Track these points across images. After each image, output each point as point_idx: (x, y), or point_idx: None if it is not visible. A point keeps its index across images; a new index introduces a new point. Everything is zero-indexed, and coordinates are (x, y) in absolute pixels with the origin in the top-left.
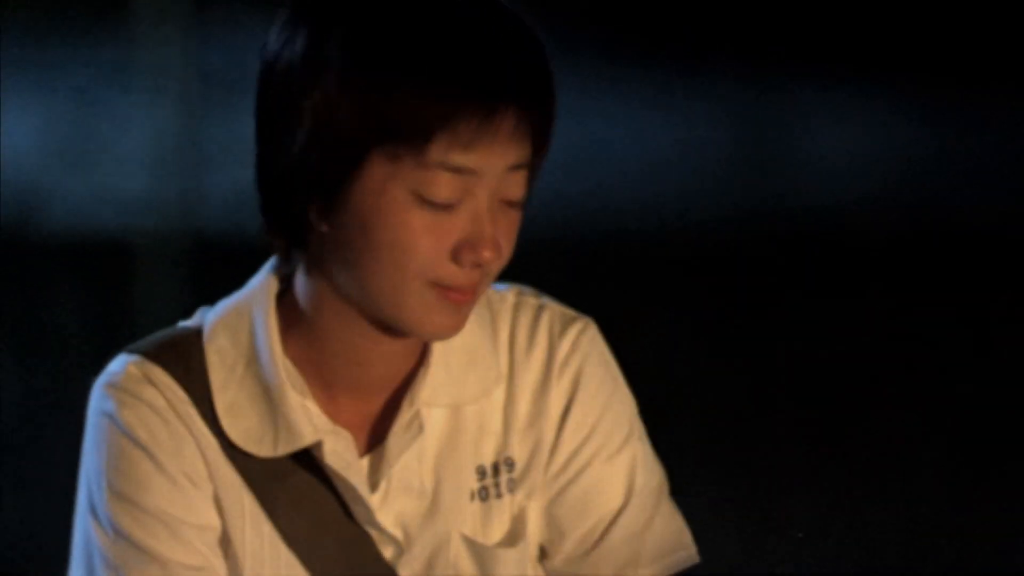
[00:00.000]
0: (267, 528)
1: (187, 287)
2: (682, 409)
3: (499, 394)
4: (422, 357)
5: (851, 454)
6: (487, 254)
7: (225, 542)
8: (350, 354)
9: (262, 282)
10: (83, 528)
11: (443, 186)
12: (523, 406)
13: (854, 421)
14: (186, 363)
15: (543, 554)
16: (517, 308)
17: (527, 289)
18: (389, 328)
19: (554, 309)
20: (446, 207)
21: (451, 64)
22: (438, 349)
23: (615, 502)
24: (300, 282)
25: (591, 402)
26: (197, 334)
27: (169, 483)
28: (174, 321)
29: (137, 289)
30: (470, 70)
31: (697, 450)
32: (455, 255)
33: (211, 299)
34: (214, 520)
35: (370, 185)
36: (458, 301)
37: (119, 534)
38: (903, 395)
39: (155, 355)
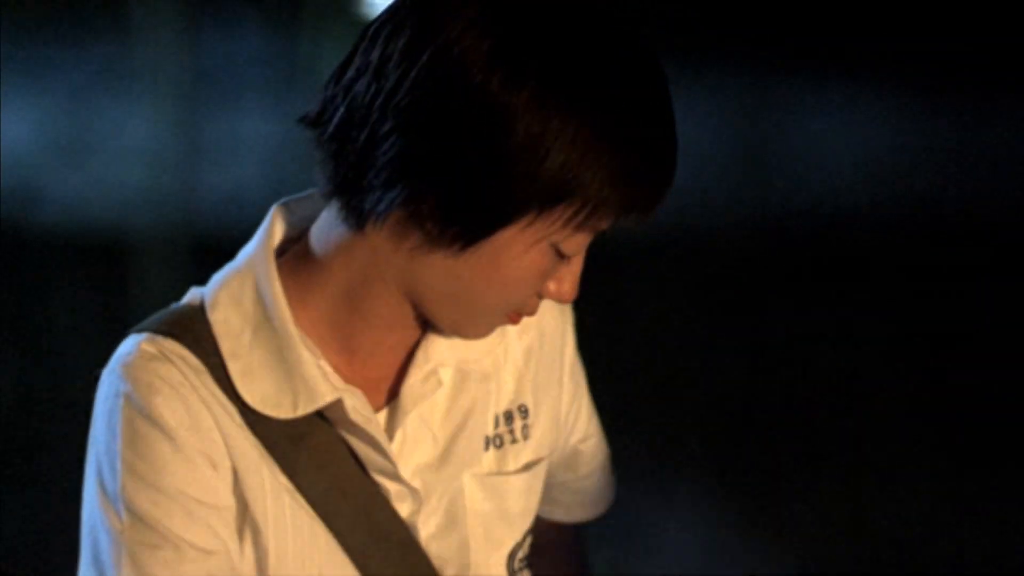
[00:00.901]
0: (287, 493)
1: (183, 283)
2: (675, 406)
3: (512, 344)
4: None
5: (848, 452)
6: (571, 291)
7: (245, 512)
8: (380, 321)
9: (260, 246)
10: (90, 515)
11: (580, 244)
12: (540, 360)
13: (852, 419)
14: (194, 334)
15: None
16: None
17: None
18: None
19: None
20: (568, 258)
21: (660, 153)
22: None
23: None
24: (337, 246)
25: (578, 355)
26: (199, 308)
27: (187, 464)
28: None
29: (133, 286)
30: (667, 160)
31: (690, 448)
32: (542, 289)
33: None
34: (230, 500)
35: (532, 231)
36: (515, 322)
37: (134, 515)
38: (901, 393)
39: (164, 330)
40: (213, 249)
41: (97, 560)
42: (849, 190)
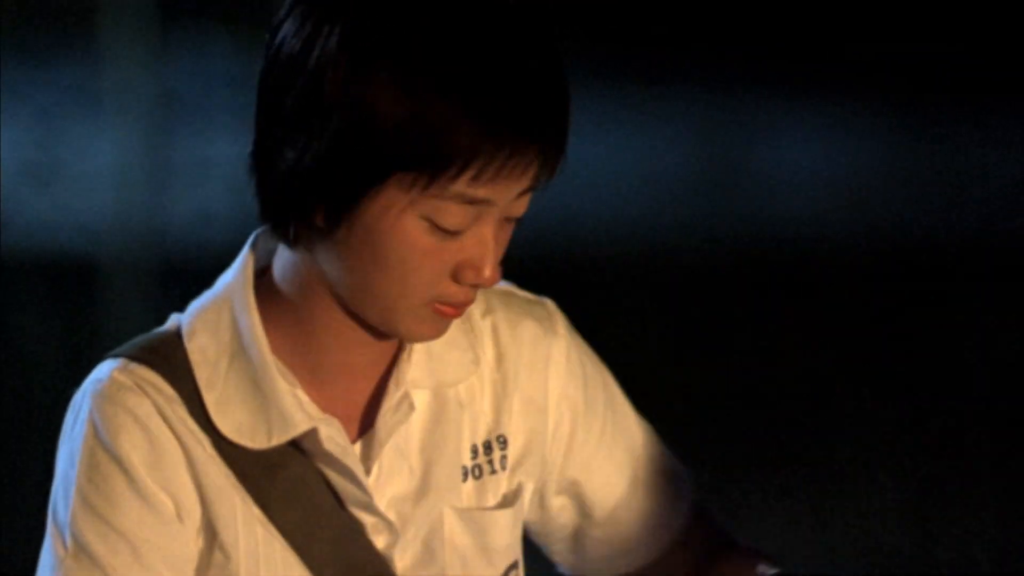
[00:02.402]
0: (260, 525)
1: (152, 307)
2: (644, 416)
3: (488, 373)
4: (402, 341)
5: (815, 466)
6: (491, 275)
7: (214, 543)
8: (337, 341)
9: (237, 275)
10: (46, 541)
11: (456, 215)
12: (517, 389)
13: (820, 431)
14: (170, 362)
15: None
16: (485, 292)
17: None
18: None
19: (519, 293)
20: (455, 233)
21: (489, 101)
22: None
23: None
24: (284, 268)
25: (580, 383)
26: (176, 335)
27: (140, 503)
28: None
29: (102, 310)
30: (507, 109)
31: None
32: (456, 274)
33: None
34: (185, 546)
35: (384, 203)
36: (450, 315)
37: (80, 547)
38: (870, 407)
39: (139, 357)
40: (182, 271)
41: None
42: (819, 207)
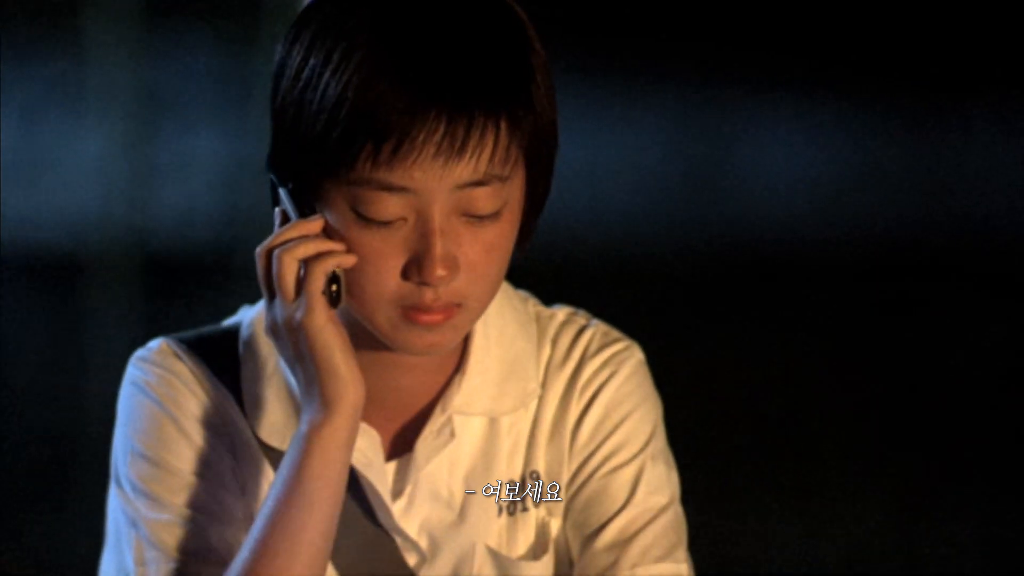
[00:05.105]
0: None
1: (136, 305)
2: None
3: (532, 407)
4: (459, 365)
5: (795, 472)
6: (436, 273)
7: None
8: (371, 361)
9: None
10: (111, 509)
11: (377, 204)
12: (547, 420)
13: (801, 436)
14: (219, 357)
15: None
16: (563, 326)
17: (580, 312)
18: None
19: (599, 330)
20: (386, 224)
21: (365, 75)
22: (476, 359)
23: (611, 511)
24: None
25: (605, 418)
26: (235, 331)
27: (189, 446)
28: (123, 340)
29: (85, 307)
30: (387, 81)
31: None
32: (405, 273)
33: (159, 317)
34: (232, 483)
35: (326, 197)
36: (427, 323)
37: (136, 489)
38: (850, 412)
39: (190, 342)
40: (165, 272)
41: (118, 543)
42: (798, 210)
